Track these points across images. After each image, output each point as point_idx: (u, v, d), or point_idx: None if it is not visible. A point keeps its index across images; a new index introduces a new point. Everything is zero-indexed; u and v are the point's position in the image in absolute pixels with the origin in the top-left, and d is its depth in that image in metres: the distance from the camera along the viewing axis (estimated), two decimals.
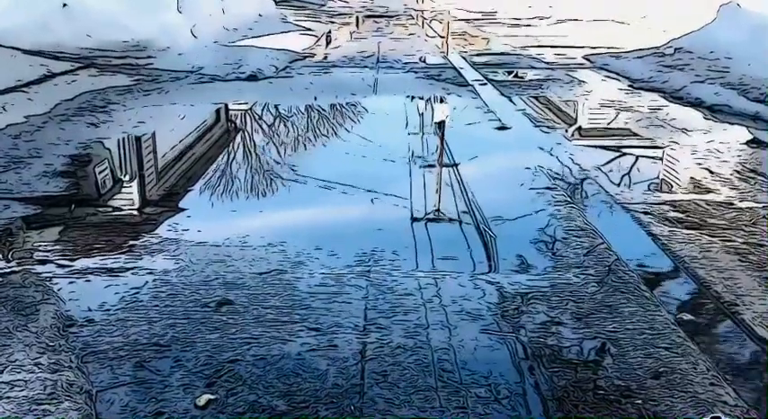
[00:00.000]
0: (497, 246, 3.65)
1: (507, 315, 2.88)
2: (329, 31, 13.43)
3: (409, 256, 3.44)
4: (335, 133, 6.08)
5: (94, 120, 6.08)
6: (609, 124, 6.42)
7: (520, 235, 3.76)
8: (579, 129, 6.34)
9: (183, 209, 4.07)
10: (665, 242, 3.64)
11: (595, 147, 5.58)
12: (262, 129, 6.20)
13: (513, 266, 3.36)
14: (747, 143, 5.81)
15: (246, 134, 6.05)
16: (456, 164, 5.10)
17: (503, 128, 6.11)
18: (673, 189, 4.56)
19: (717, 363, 2.56)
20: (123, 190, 4.52)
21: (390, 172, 4.87)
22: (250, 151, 5.52)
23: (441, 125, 6.49)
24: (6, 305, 2.85)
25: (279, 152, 5.43)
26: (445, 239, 3.69)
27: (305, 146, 5.67)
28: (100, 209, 4.05)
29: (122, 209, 4.08)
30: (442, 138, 5.99)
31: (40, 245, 3.48)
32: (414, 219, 3.98)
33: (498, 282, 3.16)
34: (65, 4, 9.12)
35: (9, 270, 3.18)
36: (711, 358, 2.60)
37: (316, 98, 7.22)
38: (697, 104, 7.06)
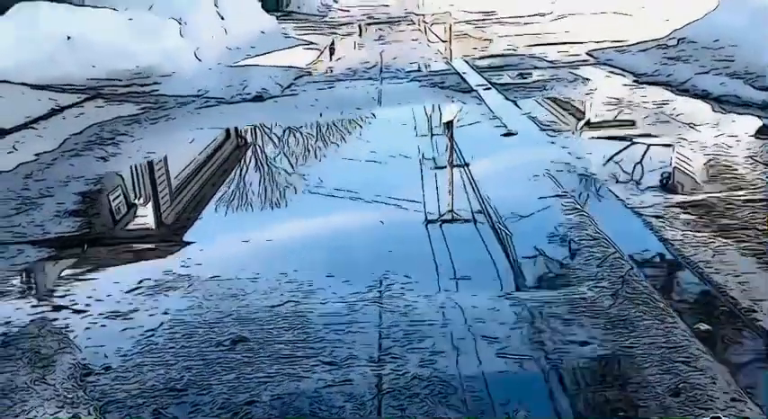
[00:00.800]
0: (510, 260, 3.66)
1: (522, 335, 2.87)
2: (332, 43, 13.46)
3: (422, 277, 3.44)
4: (343, 149, 6.11)
5: (103, 153, 6.12)
6: (615, 123, 6.37)
7: (530, 246, 3.75)
8: (586, 127, 6.32)
9: (193, 243, 4.08)
10: (679, 247, 3.60)
11: (603, 147, 5.54)
12: (269, 150, 6.22)
13: (523, 281, 3.35)
14: (757, 134, 5.76)
15: (254, 156, 6.08)
16: (467, 164, 5.26)
17: (509, 134, 6.09)
18: (683, 189, 4.53)
19: (737, 376, 2.54)
20: (135, 225, 4.56)
21: (399, 183, 4.88)
22: (260, 173, 5.55)
23: (449, 125, 6.55)
24: (24, 358, 2.87)
25: (286, 171, 5.46)
26: (456, 247, 3.70)
27: (311, 164, 5.70)
28: (112, 248, 4.08)
29: (135, 247, 4.11)
30: (451, 138, 6.04)
31: (53, 290, 3.51)
32: (428, 221, 4.05)
33: (512, 299, 3.15)
34: (69, 37, 9.19)
35: (26, 320, 3.21)
36: (731, 371, 2.57)
37: (321, 115, 7.24)
38: (703, 96, 7.02)
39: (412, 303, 3.18)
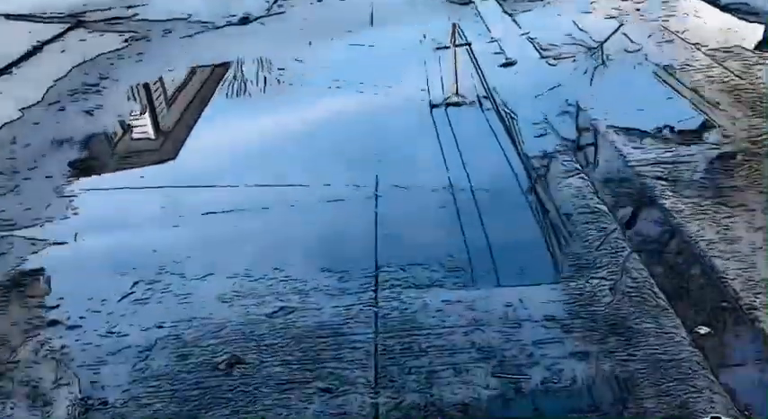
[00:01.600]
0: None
1: (519, 348, 2.84)
2: None
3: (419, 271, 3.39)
4: (334, 85, 5.90)
5: (89, 105, 5.92)
6: (618, 50, 6.03)
7: (527, 227, 3.67)
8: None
9: (181, 227, 4.00)
10: (681, 221, 3.50)
11: (606, 89, 5.28)
12: (255, 95, 6.00)
13: (519, 275, 3.28)
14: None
15: (237, 106, 5.87)
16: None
17: (508, 64, 5.83)
18: (688, 138, 4.34)
19: (734, 398, 2.51)
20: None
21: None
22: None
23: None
24: (21, 392, 2.87)
25: (272, 120, 5.37)
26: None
27: (300, 110, 5.52)
28: (103, 246, 3.98)
29: (124, 236, 4.02)
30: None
31: (46, 301, 3.46)
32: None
33: (508, 302, 3.09)
34: None
35: (20, 342, 3.19)
36: (730, 390, 2.54)
37: (311, 43, 6.94)
38: (711, 2, 6.65)
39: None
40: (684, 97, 4.86)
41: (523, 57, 5.91)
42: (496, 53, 6.08)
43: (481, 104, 4.95)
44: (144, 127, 5.62)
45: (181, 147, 5.05)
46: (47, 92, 6.29)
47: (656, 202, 3.69)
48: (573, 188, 3.91)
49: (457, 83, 5.29)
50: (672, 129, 4.51)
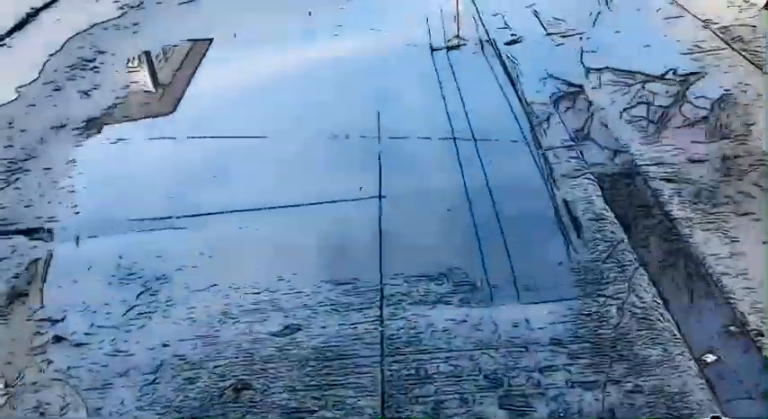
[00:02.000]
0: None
1: (525, 375, 2.84)
2: None
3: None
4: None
5: (86, 84, 5.81)
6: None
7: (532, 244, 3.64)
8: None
9: (182, 228, 3.96)
10: (689, 232, 3.46)
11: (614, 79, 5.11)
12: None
13: (526, 291, 3.26)
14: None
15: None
16: None
17: (513, 41, 5.69)
18: (696, 136, 4.24)
19: None
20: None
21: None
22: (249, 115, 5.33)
23: None
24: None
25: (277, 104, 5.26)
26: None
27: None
28: (105, 248, 3.93)
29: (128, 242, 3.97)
30: None
31: (51, 314, 3.44)
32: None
33: (515, 322, 3.08)
34: None
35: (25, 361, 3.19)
36: None
37: (310, 13, 6.77)
38: None
39: None
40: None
41: (529, 34, 5.78)
42: (500, 28, 5.93)
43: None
44: (142, 95, 5.63)
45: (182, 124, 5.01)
46: (43, 68, 6.17)
47: (664, 209, 3.64)
48: (581, 190, 3.86)
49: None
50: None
